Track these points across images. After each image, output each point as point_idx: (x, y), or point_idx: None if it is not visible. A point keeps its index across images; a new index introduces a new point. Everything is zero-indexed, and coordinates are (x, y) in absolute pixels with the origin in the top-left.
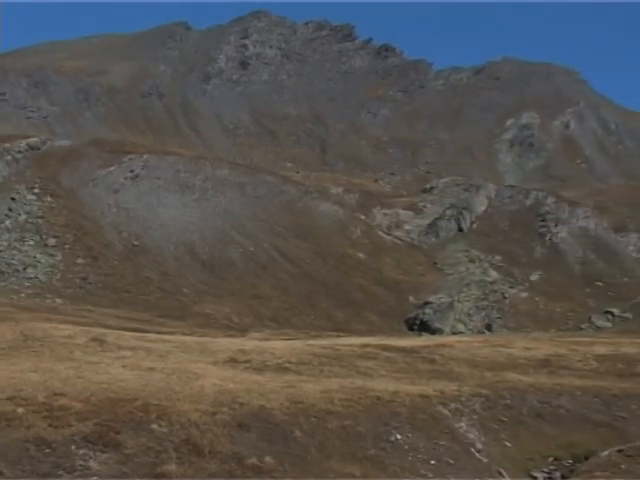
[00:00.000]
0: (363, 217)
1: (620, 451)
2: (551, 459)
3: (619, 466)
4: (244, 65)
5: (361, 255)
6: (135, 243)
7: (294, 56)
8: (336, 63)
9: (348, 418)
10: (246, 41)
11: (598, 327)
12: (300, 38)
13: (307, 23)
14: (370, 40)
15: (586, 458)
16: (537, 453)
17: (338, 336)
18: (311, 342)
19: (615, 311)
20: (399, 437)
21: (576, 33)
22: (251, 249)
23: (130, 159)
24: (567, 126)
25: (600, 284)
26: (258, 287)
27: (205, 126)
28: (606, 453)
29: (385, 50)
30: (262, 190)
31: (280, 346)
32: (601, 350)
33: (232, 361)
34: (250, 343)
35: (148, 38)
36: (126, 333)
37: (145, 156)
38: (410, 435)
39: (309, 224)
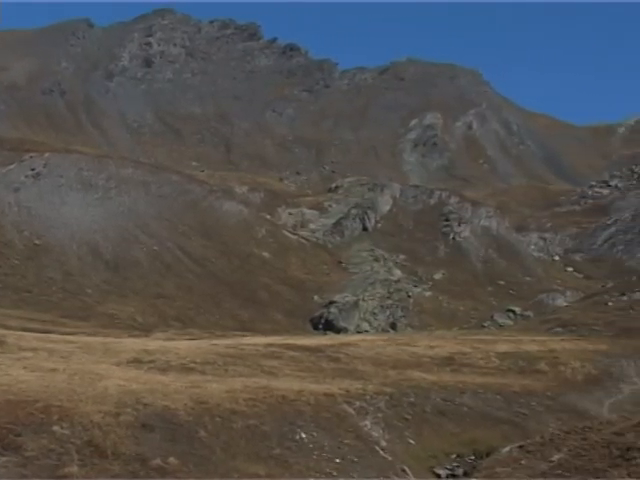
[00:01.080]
0: (268, 216)
1: (521, 447)
2: (454, 456)
3: (519, 462)
4: (148, 63)
5: (266, 254)
6: (37, 242)
7: (199, 54)
8: (241, 62)
9: (253, 418)
10: (150, 39)
11: (500, 325)
12: (205, 37)
13: (212, 22)
14: (275, 39)
15: (487, 454)
16: (440, 450)
17: (243, 335)
18: (216, 342)
19: (517, 309)
20: (304, 436)
21: (479, 34)
22: (155, 248)
23: (31, 157)
24: (470, 127)
25: (502, 283)
26: (162, 287)
27: (109, 124)
28: (507, 449)
29: (290, 50)
30: (166, 189)
31: (184, 346)
32: (503, 348)
33: (136, 361)
34: (154, 343)
35: (49, 34)
36: (27, 334)
37: (47, 154)
38: (315, 434)
39: (214, 223)
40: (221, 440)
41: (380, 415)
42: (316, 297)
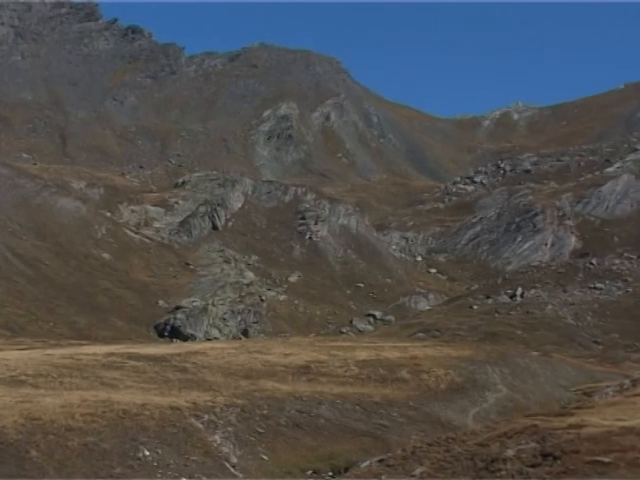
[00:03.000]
0: (108, 214)
1: (381, 461)
2: (310, 472)
3: (380, 476)
4: None
5: (106, 255)
6: None
7: (29, 35)
8: (77, 45)
9: (91, 434)
10: None
11: (360, 331)
12: (36, 15)
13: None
14: (115, 21)
15: (346, 470)
16: (295, 466)
17: (80, 344)
18: (50, 352)
19: (377, 314)
20: (147, 453)
21: (337, 20)
22: None
23: None
24: (327, 118)
25: (362, 285)
26: None
27: None
28: (367, 463)
29: (132, 32)
30: None
31: (14, 357)
32: (362, 355)
33: None
34: None
35: None
36: None
37: None
38: (159, 451)
39: (48, 222)
40: (55, 460)
41: (231, 429)
42: (161, 302)
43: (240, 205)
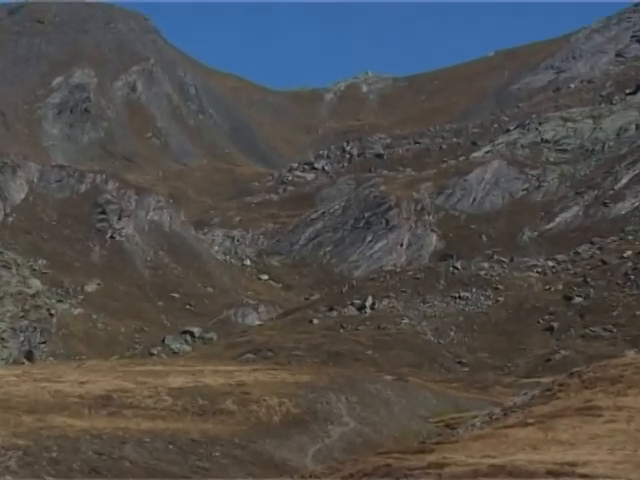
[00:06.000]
0: None
1: None
2: None
3: None
4: None
5: None
6: None
7: None
8: None
9: None
10: None
11: (174, 352)
12: None
13: None
14: None
15: None
16: None
17: None
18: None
19: (196, 331)
20: None
21: None
22: None
23: None
24: (133, 88)
25: (176, 296)
26: None
27: None
28: None
29: None
30: None
31: None
32: (177, 382)
33: None
34: None
35: None
36: None
37: None
38: None
39: None
40: None
41: (9, 478)
42: None
43: (23, 196)
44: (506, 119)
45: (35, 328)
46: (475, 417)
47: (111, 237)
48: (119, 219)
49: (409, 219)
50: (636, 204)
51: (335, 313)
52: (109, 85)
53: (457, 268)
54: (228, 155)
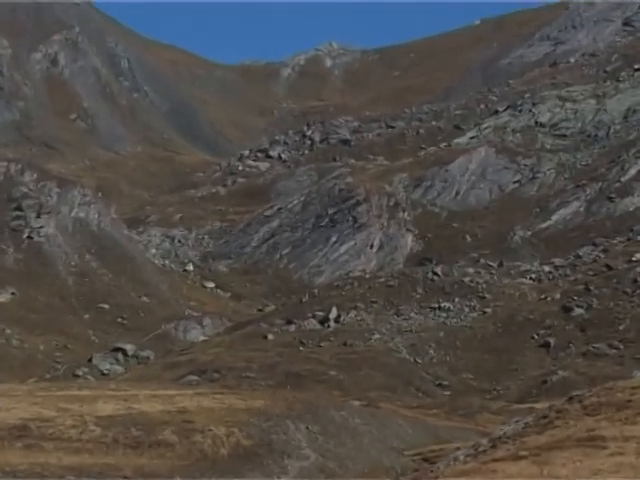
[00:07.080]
0: None
1: None
2: None
3: None
4: None
5: None
6: None
7: None
8: None
9: None
10: None
11: (103, 373)
12: None
13: None
14: None
15: None
16: None
17: None
18: None
19: (129, 348)
20: None
21: None
22: None
23: None
24: (54, 61)
25: (106, 307)
26: None
27: None
28: None
29: None
30: None
31: None
32: (107, 409)
33: None
34: None
35: None
36: None
37: None
38: None
39: None
40: None
41: None
42: None
43: None
44: (494, 99)
45: None
46: (458, 449)
47: (28, 237)
48: (38, 216)
49: (380, 217)
50: None
51: (293, 327)
52: (25, 57)
53: (437, 274)
54: (167, 141)
